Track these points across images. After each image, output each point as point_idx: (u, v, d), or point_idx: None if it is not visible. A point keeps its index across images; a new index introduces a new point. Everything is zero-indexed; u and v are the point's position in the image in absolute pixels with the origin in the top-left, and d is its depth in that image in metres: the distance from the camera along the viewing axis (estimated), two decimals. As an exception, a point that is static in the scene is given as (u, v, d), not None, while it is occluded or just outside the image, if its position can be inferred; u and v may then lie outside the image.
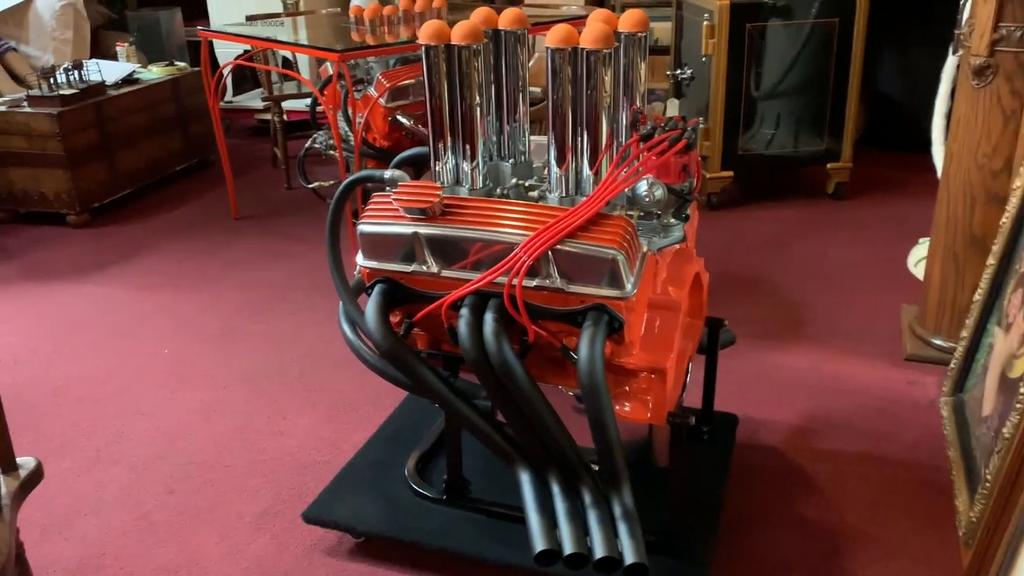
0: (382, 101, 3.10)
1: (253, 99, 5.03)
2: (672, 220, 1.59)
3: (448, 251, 1.48)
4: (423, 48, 1.51)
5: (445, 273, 1.49)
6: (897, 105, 4.22)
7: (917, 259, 3.01)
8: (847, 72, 3.49)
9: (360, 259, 1.55)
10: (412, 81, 3.19)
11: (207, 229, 3.63)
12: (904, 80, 4.18)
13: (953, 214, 2.32)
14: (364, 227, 1.52)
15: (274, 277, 3.14)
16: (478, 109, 1.56)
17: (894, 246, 3.14)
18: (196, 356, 2.59)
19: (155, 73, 4.21)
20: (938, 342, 2.42)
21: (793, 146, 3.66)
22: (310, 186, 3.43)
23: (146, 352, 2.62)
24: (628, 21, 1.53)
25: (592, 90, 1.46)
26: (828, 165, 3.64)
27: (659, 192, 1.51)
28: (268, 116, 4.40)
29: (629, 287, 1.40)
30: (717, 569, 1.67)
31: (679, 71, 3.84)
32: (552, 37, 1.44)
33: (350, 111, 3.15)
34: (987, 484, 1.59)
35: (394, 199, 1.48)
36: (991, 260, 1.99)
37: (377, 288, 1.53)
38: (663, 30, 4.30)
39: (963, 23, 2.61)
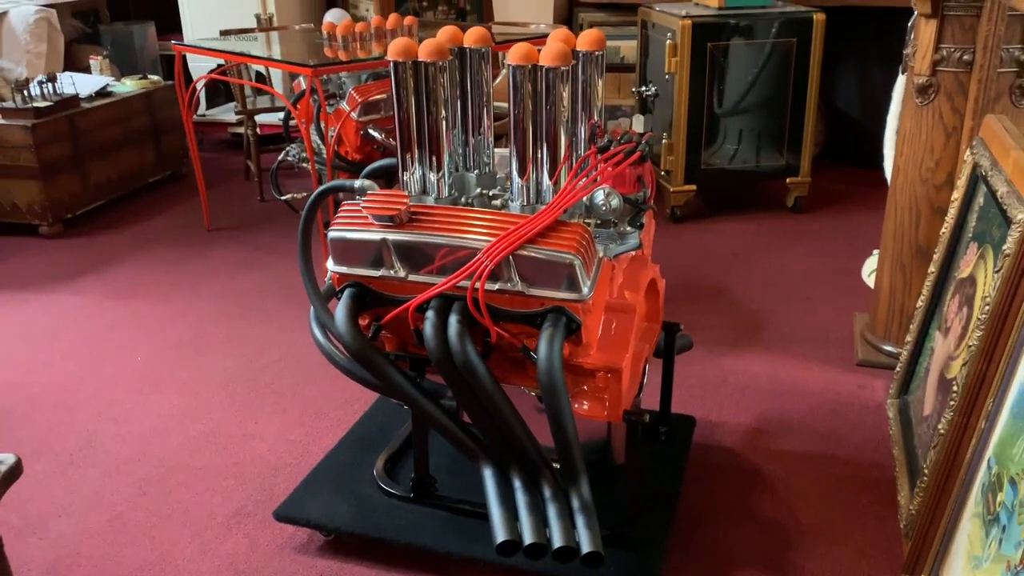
0: (354, 115, 3.17)
1: (226, 112, 5.08)
2: (628, 228, 1.68)
3: (414, 256, 1.55)
4: (391, 64, 1.59)
5: (412, 278, 1.57)
6: (854, 121, 4.36)
7: (870, 270, 3.13)
8: (805, 90, 3.62)
9: (331, 264, 1.62)
10: (383, 96, 3.27)
11: (180, 240, 3.67)
12: (861, 97, 4.33)
13: (900, 226, 2.43)
14: (334, 233, 1.59)
15: (246, 287, 3.19)
16: (444, 122, 1.64)
17: (849, 257, 3.26)
18: (168, 363, 2.63)
19: (129, 86, 4.25)
20: (888, 348, 2.52)
21: (754, 161, 3.78)
22: (283, 198, 3.49)
23: (119, 359, 2.66)
24: (586, 40, 1.62)
25: (551, 105, 1.54)
26: (788, 179, 3.77)
27: (615, 201, 1.60)
28: (241, 129, 4.45)
29: (586, 290, 1.48)
30: (672, 560, 1.75)
31: (644, 88, 3.95)
32: (513, 55, 1.52)
33: (323, 125, 3.21)
34: (924, 478, 1.68)
35: (363, 207, 1.55)
36: (932, 268, 2.10)
37: (347, 292, 1.60)
38: (629, 48, 4.41)
39: (908, 43, 2.74)
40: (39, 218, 3.67)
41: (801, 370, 2.51)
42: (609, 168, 1.58)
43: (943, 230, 2.07)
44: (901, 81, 3.11)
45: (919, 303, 2.14)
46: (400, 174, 1.70)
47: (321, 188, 1.71)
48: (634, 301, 1.62)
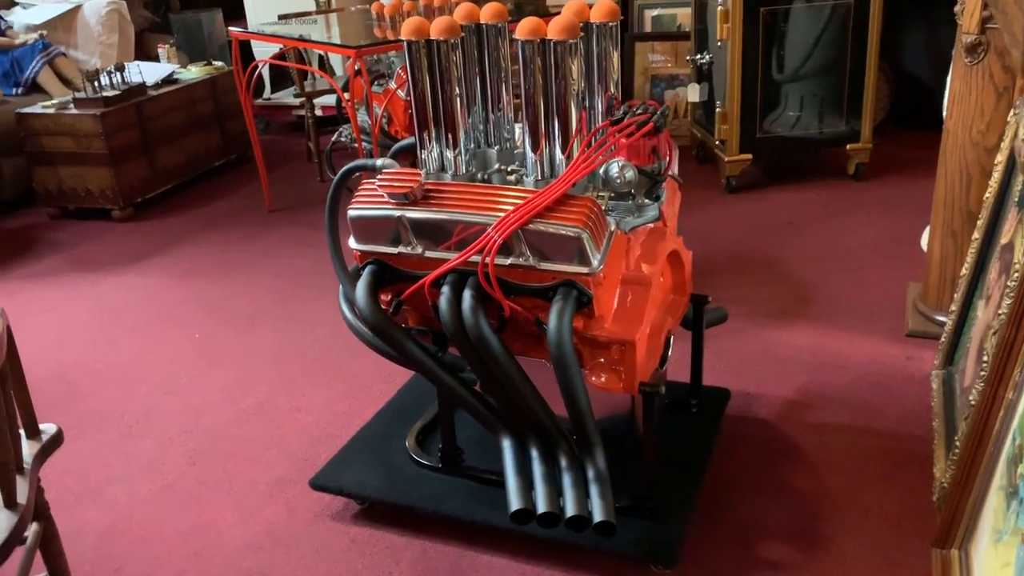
0: (401, 93, 3.22)
1: (290, 95, 5.20)
2: (645, 200, 1.67)
3: (430, 233, 1.59)
4: (405, 44, 1.62)
5: (428, 254, 1.60)
6: (922, 83, 4.19)
7: (929, 238, 3.03)
8: (864, 53, 3.50)
9: (352, 242, 1.67)
10: (430, 74, 3.30)
11: (242, 221, 3.80)
12: (929, 58, 4.16)
13: (950, 191, 2.34)
14: (354, 212, 1.63)
15: (303, 265, 3.28)
16: (459, 100, 1.66)
17: (909, 226, 3.16)
18: (224, 339, 2.74)
19: (193, 73, 4.39)
20: (939, 318, 2.44)
21: (812, 128, 3.68)
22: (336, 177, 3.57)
23: (179, 336, 2.79)
24: (599, 11, 1.61)
25: (561, 79, 1.54)
26: (848, 146, 3.66)
27: (630, 173, 1.59)
28: (304, 112, 4.56)
29: (595, 263, 1.49)
30: (696, 530, 1.75)
31: (699, 56, 3.88)
32: (521, 29, 1.53)
33: (372, 104, 3.27)
34: (956, 450, 1.64)
35: (378, 185, 1.59)
36: (976, 235, 2.02)
37: (367, 269, 1.64)
38: (686, 16, 4.33)
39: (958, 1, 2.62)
40: (111, 203, 3.85)
41: (847, 342, 2.45)
42: (622, 140, 1.57)
43: (987, 195, 1.99)
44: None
45: (963, 271, 2.07)
46: (418, 152, 1.73)
47: (345, 168, 1.76)
48: (650, 273, 1.62)
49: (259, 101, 5.13)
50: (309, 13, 4.21)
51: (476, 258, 1.51)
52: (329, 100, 4.59)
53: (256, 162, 3.88)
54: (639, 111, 1.64)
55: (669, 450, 1.86)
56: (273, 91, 5.29)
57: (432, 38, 1.60)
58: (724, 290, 2.77)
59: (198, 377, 2.53)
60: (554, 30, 1.51)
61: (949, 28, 4.03)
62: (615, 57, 1.66)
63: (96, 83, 3.83)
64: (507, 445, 1.62)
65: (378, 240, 1.64)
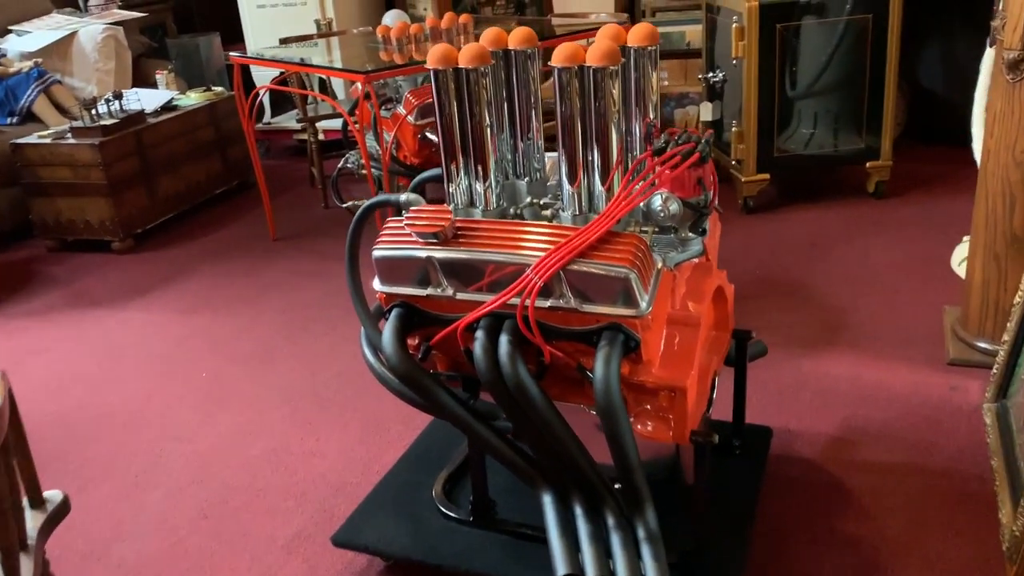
0: (410, 119, 3.12)
1: (291, 119, 5.10)
2: (690, 234, 1.57)
3: (462, 274, 1.48)
4: (431, 72, 1.51)
5: (460, 296, 1.49)
6: (939, 98, 4.11)
7: (960, 259, 2.92)
8: (883, 69, 3.41)
9: (377, 284, 1.56)
10: (440, 97, 3.21)
11: (246, 251, 3.69)
12: (946, 72, 4.07)
13: (992, 213, 2.24)
14: (379, 252, 1.52)
15: (311, 297, 3.17)
16: (488, 131, 1.56)
17: (937, 245, 3.06)
18: (232, 378, 2.62)
19: (193, 99, 4.29)
20: (982, 345, 2.34)
21: (831, 146, 3.59)
22: (344, 205, 3.46)
23: (185, 376, 2.67)
24: (637, 35, 1.51)
25: (601, 108, 1.44)
26: (868, 164, 3.56)
27: (674, 207, 1.49)
28: (306, 136, 4.46)
29: (643, 305, 1.38)
30: (749, 587, 1.64)
31: (711, 74, 3.79)
32: (558, 56, 1.43)
33: (380, 130, 3.17)
34: (1029, 496, 1.53)
35: (406, 224, 1.48)
36: (1031, 261, 1.92)
37: (394, 312, 1.53)
38: (695, 33, 4.25)
39: (997, 15, 2.53)
40: (111, 234, 3.73)
41: (886, 371, 2.35)
42: (666, 171, 1.47)
43: (1042, 219, 1.90)
44: (990, 54, 2.90)
45: (1017, 298, 1.97)
46: (446, 185, 1.63)
47: (366, 204, 1.65)
48: (698, 313, 1.51)
49: (259, 126, 5.02)
50: (311, 36, 4.11)
51: (513, 300, 1.40)
52: (331, 124, 4.49)
53: (258, 189, 3.77)
54: (681, 139, 1.54)
55: (714, 496, 1.75)
56: (273, 115, 5.19)
57: (461, 66, 1.50)
58: (751, 317, 2.66)
59: (207, 420, 2.41)
60: (594, 56, 1.41)
61: (966, 41, 3.98)
62: (654, 81, 1.56)
63: (94, 111, 3.72)
64: (548, 501, 1.50)
65: (405, 282, 1.53)
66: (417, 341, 1.59)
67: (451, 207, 1.62)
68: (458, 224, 1.49)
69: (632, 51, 1.52)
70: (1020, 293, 1.95)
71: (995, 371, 2.03)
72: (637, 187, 1.45)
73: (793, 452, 2.05)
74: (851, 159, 3.59)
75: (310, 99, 4.39)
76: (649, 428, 1.50)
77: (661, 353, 1.48)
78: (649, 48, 1.52)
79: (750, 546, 1.68)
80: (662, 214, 1.49)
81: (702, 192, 1.55)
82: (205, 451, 2.26)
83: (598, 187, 1.51)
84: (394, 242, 1.51)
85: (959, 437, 2.05)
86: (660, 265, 1.45)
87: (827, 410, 2.20)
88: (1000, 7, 2.48)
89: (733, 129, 3.54)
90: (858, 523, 1.80)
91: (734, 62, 3.46)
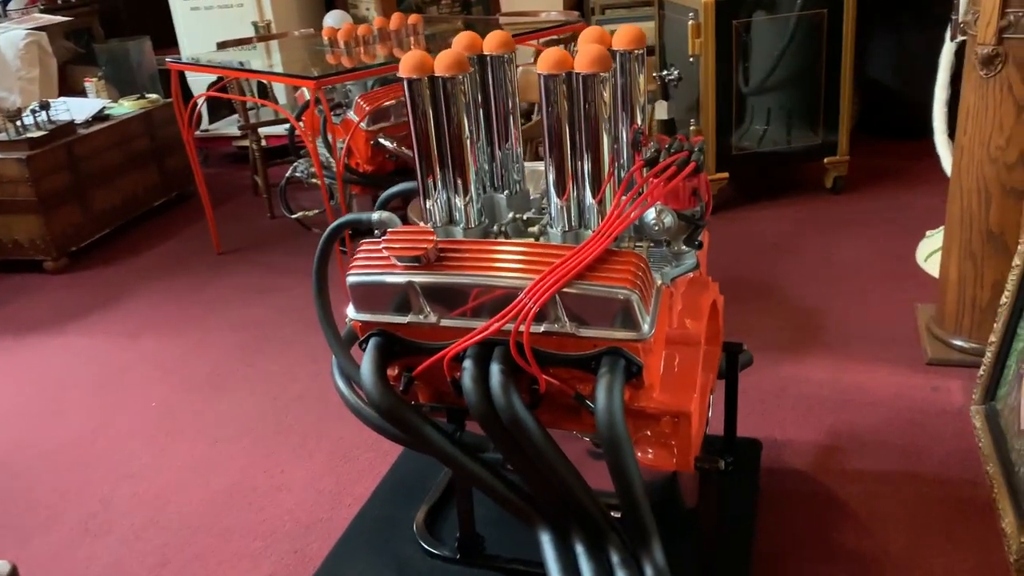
0: (363, 125, 2.99)
1: (230, 126, 4.91)
2: (684, 247, 1.48)
3: (447, 299, 1.37)
4: (405, 82, 1.40)
5: (445, 322, 1.38)
6: (890, 90, 4.12)
7: (926, 254, 2.92)
8: (839, 63, 3.39)
9: (351, 312, 1.44)
10: (393, 102, 3.09)
11: (190, 266, 3.50)
12: (896, 64, 4.09)
13: (967, 210, 2.22)
14: (354, 278, 1.40)
15: (262, 314, 3.01)
16: (468, 142, 1.45)
17: (900, 240, 3.05)
18: (185, 406, 2.46)
19: (126, 107, 4.08)
20: (958, 343, 2.32)
21: (788, 142, 3.57)
22: (294, 216, 3.32)
23: (133, 406, 2.50)
24: (624, 38, 1.42)
25: (592, 117, 1.34)
26: (826, 159, 3.54)
27: (668, 220, 1.40)
28: (246, 142, 4.28)
29: (646, 328, 1.29)
30: (755, 615, 1.57)
31: (665, 72, 3.72)
32: (544, 62, 1.33)
33: (330, 137, 3.03)
34: (1038, 507, 1.49)
35: (384, 248, 1.36)
36: (1017, 260, 1.89)
37: (372, 343, 1.41)
38: (645, 29, 4.19)
39: (960, 7, 2.51)
40: (42, 253, 3.51)
41: (866, 373, 2.30)
42: (661, 184, 1.38)
43: (1027, 217, 1.86)
44: (949, 48, 2.89)
45: (1003, 299, 1.93)
46: (422, 201, 1.51)
47: (332, 226, 1.52)
48: (697, 331, 1.43)
49: (197, 133, 4.81)
50: (250, 40, 3.94)
51: (507, 326, 1.29)
52: (274, 130, 4.31)
53: (198, 199, 3.59)
54: (673, 148, 1.45)
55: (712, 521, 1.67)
56: (211, 121, 4.98)
57: (438, 75, 1.39)
58: (724, 322, 2.60)
59: (160, 454, 2.25)
60: (584, 62, 1.31)
61: (914, 33, 3.99)
62: (642, 86, 1.47)
63: (19, 123, 3.49)
64: (547, 539, 1.40)
65: (383, 308, 1.41)
66: (397, 371, 1.47)
67: (429, 224, 1.51)
68: (441, 245, 1.38)
69: (618, 55, 1.43)
70: (1007, 293, 1.91)
71: (982, 373, 2.00)
72: (632, 201, 1.36)
73: (782, 463, 1.99)
74: (809, 155, 3.57)
75: (251, 104, 4.22)
76: (650, 456, 1.42)
77: (661, 375, 1.39)
78: (636, 51, 1.43)
79: (753, 569, 1.61)
80: (656, 228, 1.40)
81: (697, 203, 1.46)
82: (161, 489, 2.10)
83: (588, 200, 1.41)
84: (371, 267, 1.39)
85: (947, 440, 2.01)
86: (659, 283, 1.36)
87: (811, 417, 2.14)
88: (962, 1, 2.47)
89: (691, 127, 3.48)
90: (857, 537, 1.75)
91: (691, 59, 3.41)
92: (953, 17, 2.50)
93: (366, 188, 3.30)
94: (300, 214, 3.30)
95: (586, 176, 1.40)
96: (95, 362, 2.78)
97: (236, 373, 2.63)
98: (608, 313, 1.28)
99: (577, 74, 1.32)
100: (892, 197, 3.50)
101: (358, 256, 1.42)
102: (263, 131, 4.12)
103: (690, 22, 3.30)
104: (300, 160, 3.27)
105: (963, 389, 2.18)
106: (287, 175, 3.29)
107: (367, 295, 1.41)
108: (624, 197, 1.36)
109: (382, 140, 3.11)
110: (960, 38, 2.40)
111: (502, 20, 4.06)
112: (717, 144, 3.46)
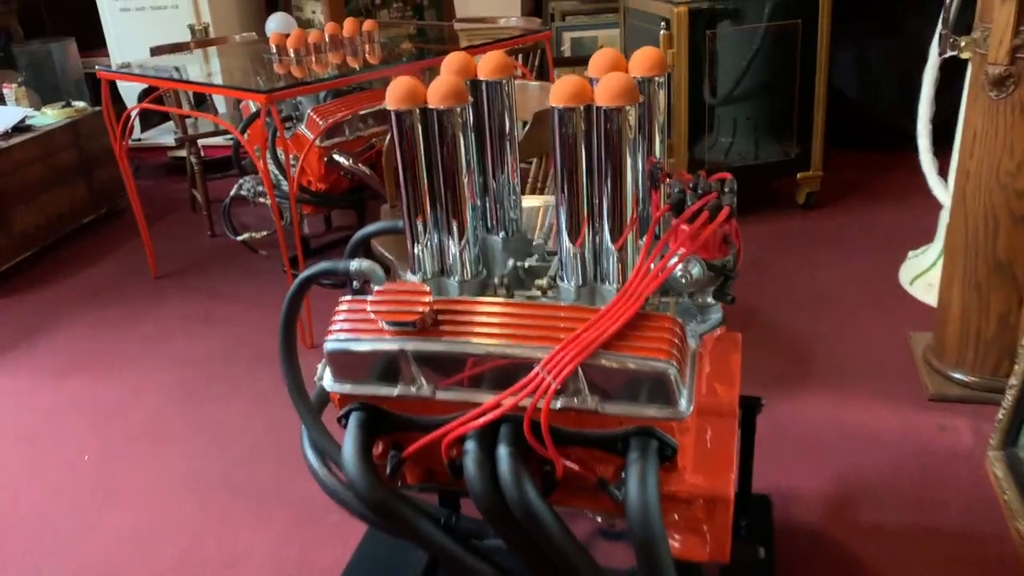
0: (317, 142, 2.75)
1: (164, 135, 4.59)
2: (710, 300, 1.30)
3: (444, 369, 1.16)
4: (392, 114, 1.18)
5: (440, 395, 1.18)
6: (855, 102, 4.03)
7: (912, 276, 2.81)
8: (813, 76, 3.27)
9: (329, 383, 1.22)
10: (348, 116, 2.86)
11: (124, 293, 3.21)
12: (861, 75, 4.00)
13: (973, 238, 2.09)
14: (333, 345, 1.18)
15: (207, 349, 2.75)
16: (465, 181, 1.25)
17: (881, 260, 2.94)
18: (122, 461, 2.20)
19: (50, 116, 3.75)
20: (960, 376, 2.20)
21: (758, 156, 3.44)
22: (239, 238, 3.06)
23: (61, 460, 2.22)
24: (644, 63, 1.23)
25: (615, 155, 1.15)
26: (798, 175, 3.42)
27: (696, 271, 1.22)
28: (182, 152, 3.98)
29: (683, 404, 1.10)
30: None
31: (631, 82, 3.57)
32: (559, 94, 1.13)
33: (280, 153, 2.78)
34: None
35: (371, 310, 1.15)
36: (1042, 298, 1.76)
37: (354, 419, 1.20)
38: (609, 38, 4.03)
39: (950, 20, 2.41)
40: (-44, 280, 3.19)
41: (867, 411, 2.17)
42: (693, 232, 1.19)
43: (1054, 253, 1.74)
44: (934, 63, 2.78)
45: (1025, 339, 1.80)
46: (410, 248, 1.30)
47: (300, 278, 1.30)
48: (731, 400, 1.25)
49: (128, 143, 4.48)
50: (187, 45, 3.65)
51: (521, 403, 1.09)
52: (213, 140, 4.02)
53: (130, 215, 3.31)
54: (700, 187, 1.27)
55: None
56: (143, 130, 4.65)
57: (432, 106, 1.18)
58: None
59: (94, 522, 1.98)
60: (608, 95, 1.12)
61: (879, 44, 3.91)
62: (660, 116, 1.28)
63: (-72, 136, 3.16)
64: (564, 645, 1.21)
65: (367, 379, 1.20)
66: (381, 448, 1.26)
67: (419, 276, 1.30)
68: (437, 307, 1.17)
69: (637, 81, 1.24)
70: (1030, 333, 1.79)
71: (1001, 416, 1.86)
72: (660, 256, 1.18)
73: (793, 519, 1.83)
74: (782, 170, 3.45)
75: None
76: (677, 544, 1.23)
77: (692, 452, 1.21)
78: (657, 78, 1.24)
79: (781, 656, 1.45)
80: (683, 280, 1.22)
81: (728, 251, 1.28)
82: (96, 566, 1.84)
83: (607, 246, 1.22)
84: (354, 331, 1.18)
85: (962, 489, 1.88)
86: (694, 347, 1.18)
87: (815, 462, 1.99)
88: (952, 14, 2.35)
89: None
90: (884, 607, 1.60)
91: (661, 71, 3.24)
92: (941, 31, 2.39)
93: (319, 208, 3.06)
94: (247, 235, 3.04)
95: (604, 220, 1.20)
96: (16, 408, 2.49)
97: (179, 420, 2.37)
98: (639, 387, 1.10)
99: (599, 108, 1.13)
100: (866, 212, 3.40)
101: (339, 319, 1.21)
102: (202, 142, 3.83)
103: (662, 32, 3.14)
104: (246, 177, 3.01)
105: (971, 428, 2.06)
106: (232, 193, 3.02)
107: (349, 364, 1.20)
108: (651, 249, 1.18)
109: (336, 156, 2.88)
110: (950, 53, 2.28)
111: (458, 26, 3.85)
112: (689, 159, 3.31)
